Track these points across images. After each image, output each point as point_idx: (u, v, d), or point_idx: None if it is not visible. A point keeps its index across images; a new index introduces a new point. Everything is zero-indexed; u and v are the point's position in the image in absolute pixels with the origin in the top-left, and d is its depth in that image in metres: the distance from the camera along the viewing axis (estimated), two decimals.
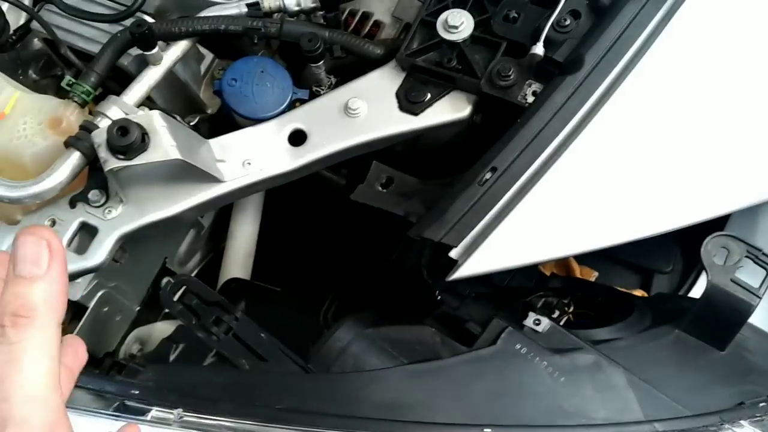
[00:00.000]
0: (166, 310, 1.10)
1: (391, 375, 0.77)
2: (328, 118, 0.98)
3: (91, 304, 0.97)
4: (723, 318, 0.79)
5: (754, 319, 0.79)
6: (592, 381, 0.76)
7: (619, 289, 1.02)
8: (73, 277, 0.92)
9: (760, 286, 0.77)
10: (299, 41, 0.98)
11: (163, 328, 1.06)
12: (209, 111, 1.13)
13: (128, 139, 0.81)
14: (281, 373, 0.79)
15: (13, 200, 0.87)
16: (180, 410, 0.72)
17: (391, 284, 1.07)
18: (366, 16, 1.19)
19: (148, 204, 0.90)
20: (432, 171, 1.08)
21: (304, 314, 1.14)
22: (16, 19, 1.11)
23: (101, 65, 0.95)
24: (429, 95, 0.96)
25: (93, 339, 1.00)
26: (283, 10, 1.02)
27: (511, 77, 0.91)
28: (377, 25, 1.19)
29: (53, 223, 0.91)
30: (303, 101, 1.01)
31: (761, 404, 0.75)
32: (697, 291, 1.09)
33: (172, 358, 0.90)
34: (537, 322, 0.81)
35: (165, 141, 0.83)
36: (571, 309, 0.95)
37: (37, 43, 1.16)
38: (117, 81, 1.02)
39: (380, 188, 1.02)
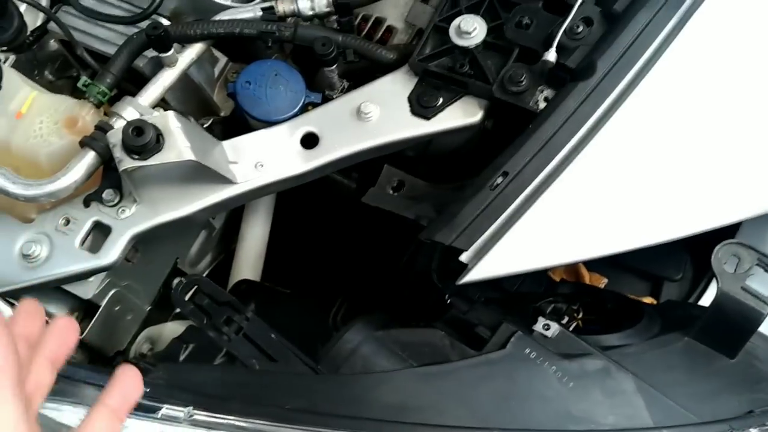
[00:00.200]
0: (177, 311, 1.11)
1: (400, 377, 0.78)
2: (340, 121, 0.98)
3: (103, 303, 0.98)
4: (733, 326, 0.79)
5: (765, 328, 0.79)
6: (601, 386, 0.76)
7: (628, 296, 1.02)
8: (86, 275, 0.93)
9: None
10: (313, 45, 0.99)
11: (173, 328, 1.07)
12: (222, 113, 1.14)
13: (143, 140, 0.82)
14: (291, 374, 0.79)
15: (28, 198, 0.88)
16: (190, 408, 0.73)
17: (400, 288, 1.07)
18: (379, 21, 1.20)
19: (161, 204, 0.91)
20: (442, 175, 1.08)
21: (314, 316, 1.14)
22: (32, 20, 1.13)
23: (117, 66, 0.96)
24: (441, 100, 0.97)
25: (104, 337, 1.01)
26: (297, 15, 1.03)
27: (523, 83, 0.91)
28: (390, 30, 1.19)
29: (67, 221, 0.92)
30: (315, 105, 1.02)
31: None
32: (707, 299, 1.09)
33: (182, 357, 0.90)
34: (546, 327, 0.81)
35: (179, 142, 0.84)
36: (581, 315, 0.95)
37: (53, 45, 1.18)
38: (132, 82, 1.03)
39: (391, 191, 1.02)
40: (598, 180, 0.82)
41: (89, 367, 0.83)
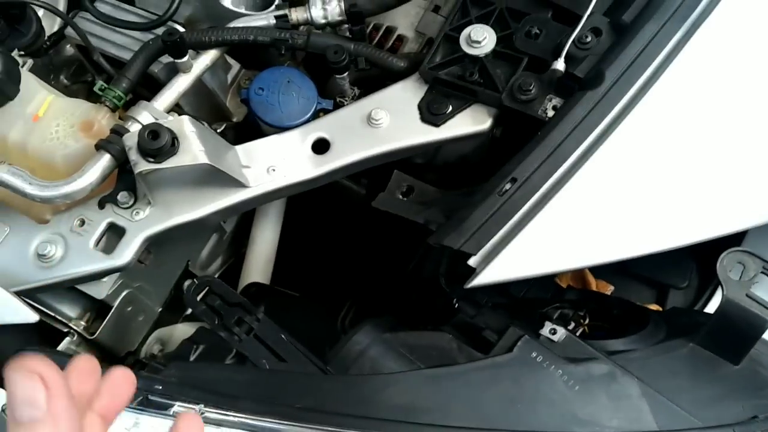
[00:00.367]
0: (187, 313, 1.13)
1: (408, 378, 0.79)
2: (351, 127, 1.00)
3: (116, 304, 0.99)
4: (738, 333, 0.79)
5: None
6: (606, 390, 0.77)
7: (634, 302, 1.03)
8: (100, 276, 0.95)
9: None
10: (325, 53, 1.00)
11: (183, 330, 1.08)
12: (235, 119, 1.15)
13: (159, 143, 0.84)
14: (301, 374, 0.80)
15: (44, 199, 0.89)
16: (202, 406, 0.74)
17: (408, 292, 1.09)
18: (390, 30, 1.22)
19: (175, 207, 0.93)
20: (451, 182, 1.10)
21: (322, 320, 1.15)
22: (49, 25, 1.15)
23: (133, 71, 0.98)
24: (450, 107, 0.98)
25: (116, 338, 1.02)
26: (310, 23, 1.05)
27: (532, 91, 0.93)
28: (400, 39, 1.22)
29: (82, 222, 0.94)
30: (327, 111, 1.03)
31: None
32: (712, 307, 1.10)
33: (192, 358, 0.92)
34: (553, 331, 0.82)
35: (194, 146, 0.86)
36: (587, 321, 0.96)
37: (69, 50, 1.20)
38: (146, 87, 1.05)
39: (401, 197, 1.04)
40: (605, 187, 0.83)
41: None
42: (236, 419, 0.73)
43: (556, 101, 0.93)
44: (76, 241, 0.93)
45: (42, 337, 0.98)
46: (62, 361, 0.50)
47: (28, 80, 0.99)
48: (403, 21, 1.21)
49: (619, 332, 0.90)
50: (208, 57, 1.02)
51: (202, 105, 1.10)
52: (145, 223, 0.92)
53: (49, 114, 0.98)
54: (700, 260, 1.11)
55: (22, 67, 1.02)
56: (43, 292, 0.96)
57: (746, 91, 0.86)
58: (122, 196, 0.93)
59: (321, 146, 1.00)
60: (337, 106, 1.05)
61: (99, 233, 0.93)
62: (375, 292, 1.16)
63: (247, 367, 0.82)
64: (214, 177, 0.91)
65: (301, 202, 1.24)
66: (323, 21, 1.04)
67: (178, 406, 0.75)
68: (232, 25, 1.04)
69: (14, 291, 0.86)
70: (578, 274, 1.09)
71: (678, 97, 0.86)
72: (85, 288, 0.97)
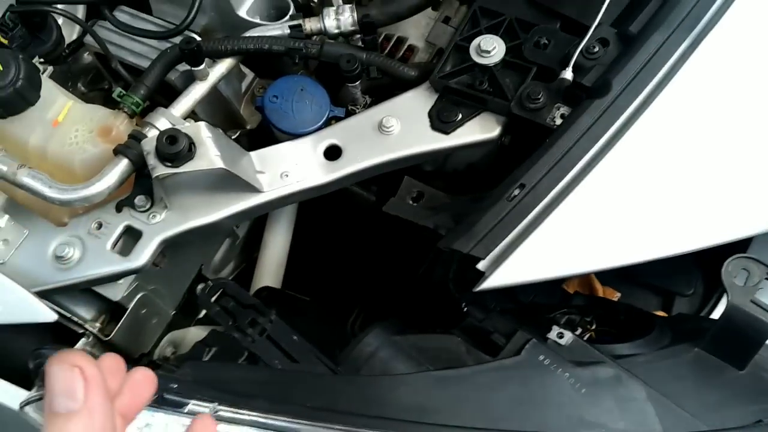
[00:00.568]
0: (200, 316, 1.15)
1: (418, 380, 0.80)
2: (362, 134, 1.02)
3: (131, 306, 1.00)
4: (742, 338, 0.81)
5: None
6: (612, 393, 0.78)
7: (640, 308, 1.04)
8: (116, 277, 0.97)
9: None
10: (338, 62, 1.03)
11: (196, 333, 1.10)
12: (248, 127, 1.18)
13: (176, 148, 0.86)
14: (312, 374, 0.82)
15: (63, 202, 0.92)
16: (216, 404, 0.75)
17: (417, 296, 1.10)
18: (401, 40, 1.24)
19: (190, 210, 0.95)
20: (459, 189, 1.11)
21: (332, 324, 1.17)
22: (68, 34, 1.18)
23: (151, 79, 1.00)
24: (460, 115, 1.00)
25: (130, 339, 1.04)
26: (323, 33, 1.07)
27: (541, 100, 0.95)
28: (411, 49, 1.24)
29: (99, 225, 0.96)
30: (339, 118, 1.06)
31: None
32: (717, 314, 1.11)
33: (205, 360, 0.93)
34: (560, 335, 0.84)
35: (211, 151, 0.88)
36: (594, 327, 0.97)
37: (87, 57, 1.23)
38: (163, 94, 1.08)
39: (411, 202, 1.06)
40: (612, 193, 0.85)
41: None
42: (249, 417, 0.75)
43: (564, 110, 0.95)
44: (93, 244, 0.95)
45: (57, 338, 0.99)
46: None
47: (49, 86, 1.01)
48: (414, 31, 1.24)
49: (626, 338, 0.91)
50: (224, 65, 1.04)
51: (217, 112, 1.13)
52: (161, 226, 0.95)
53: (68, 119, 1.00)
54: (705, 268, 1.12)
55: (43, 73, 1.04)
56: (60, 293, 0.98)
57: (751, 99, 0.88)
58: (139, 199, 0.95)
59: (333, 153, 1.02)
60: (349, 113, 1.08)
61: (116, 236, 0.95)
62: (384, 297, 1.17)
63: (259, 367, 0.84)
64: (228, 182, 0.93)
65: (312, 209, 1.26)
66: (336, 31, 1.07)
67: (192, 405, 0.76)
68: (247, 34, 1.06)
69: (33, 292, 0.88)
70: (585, 280, 1.11)
71: (683, 105, 0.87)
72: (101, 290, 0.99)
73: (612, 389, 0.78)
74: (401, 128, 1.01)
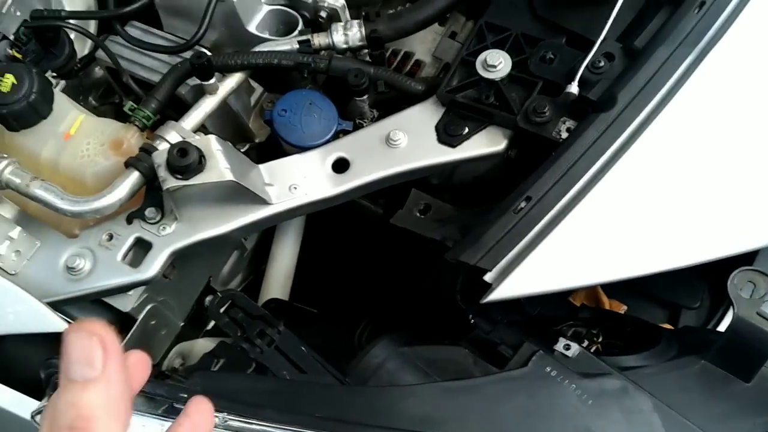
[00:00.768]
0: (207, 328, 1.16)
1: (426, 391, 0.81)
2: (370, 147, 1.03)
3: (140, 317, 1.01)
4: (749, 350, 0.81)
5: None
6: (619, 405, 0.79)
7: (647, 321, 1.05)
8: (126, 288, 0.98)
9: None
10: (346, 76, 1.04)
11: (204, 345, 1.11)
12: (257, 140, 1.19)
13: (187, 160, 0.87)
14: (321, 385, 0.83)
15: (75, 214, 0.93)
16: (225, 414, 0.76)
17: (424, 309, 1.11)
18: (408, 55, 1.26)
19: (200, 222, 0.96)
20: (466, 202, 1.12)
21: (339, 336, 1.18)
22: (80, 48, 1.20)
23: (162, 92, 1.02)
24: (467, 129, 1.01)
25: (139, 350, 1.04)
26: (331, 48, 1.08)
27: (547, 114, 0.96)
28: (418, 63, 1.26)
29: (110, 237, 0.97)
30: (347, 132, 1.07)
31: None
32: (724, 326, 1.11)
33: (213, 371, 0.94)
34: (567, 347, 0.84)
35: (221, 163, 0.89)
36: (600, 339, 0.98)
37: (97, 72, 1.25)
38: (173, 108, 1.09)
39: (418, 214, 1.07)
40: (618, 206, 0.85)
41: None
42: (258, 427, 0.76)
43: (569, 123, 0.96)
44: (104, 255, 0.96)
45: None
46: None
47: (61, 100, 1.03)
48: (421, 46, 1.26)
49: (632, 350, 0.91)
50: (234, 80, 1.05)
51: (227, 126, 1.14)
52: (171, 238, 0.95)
53: (80, 132, 1.01)
54: (711, 281, 1.13)
55: (55, 87, 1.06)
56: (71, 304, 0.99)
57: (756, 113, 0.89)
58: (150, 211, 0.96)
59: (341, 165, 1.03)
60: (357, 127, 1.09)
61: (126, 247, 0.96)
62: (391, 309, 1.18)
63: (268, 377, 0.85)
64: (238, 194, 0.94)
65: (320, 221, 1.27)
66: (344, 46, 1.08)
67: None
68: (256, 49, 1.08)
69: (44, 302, 0.89)
70: (592, 293, 1.11)
71: (688, 119, 0.88)
72: (111, 301, 0.99)
73: (619, 401, 0.79)
74: (408, 141, 1.02)
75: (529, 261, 0.82)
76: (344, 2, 1.13)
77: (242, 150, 1.12)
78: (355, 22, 1.08)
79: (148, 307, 1.03)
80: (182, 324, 1.11)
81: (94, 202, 0.93)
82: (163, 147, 0.96)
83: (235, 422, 0.76)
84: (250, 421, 0.76)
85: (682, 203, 0.86)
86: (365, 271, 1.29)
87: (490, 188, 1.11)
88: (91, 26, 1.21)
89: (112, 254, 0.96)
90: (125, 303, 0.99)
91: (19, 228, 0.97)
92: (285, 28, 1.15)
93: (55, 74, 1.13)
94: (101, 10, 1.14)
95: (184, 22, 1.15)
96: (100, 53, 1.12)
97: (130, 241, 0.96)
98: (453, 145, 1.01)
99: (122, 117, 1.05)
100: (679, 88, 0.89)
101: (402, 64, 1.25)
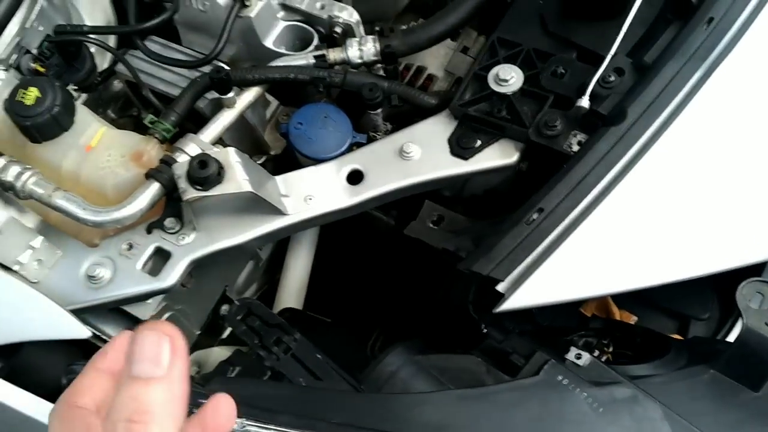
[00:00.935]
0: (222, 337, 1.17)
1: (439, 398, 0.82)
2: (383, 160, 1.05)
3: None
4: (757, 360, 0.82)
5: None
6: (629, 413, 0.80)
7: (657, 331, 1.06)
8: (145, 297, 0.99)
9: None
10: (361, 90, 1.06)
11: (219, 353, 1.12)
12: (272, 152, 1.21)
13: (207, 172, 0.89)
14: (337, 391, 0.84)
15: (96, 224, 0.95)
16: (243, 420, 0.78)
17: (437, 319, 1.12)
18: (420, 69, 1.28)
19: (218, 232, 0.98)
20: (477, 214, 1.14)
21: (352, 346, 1.19)
22: (99, 62, 1.22)
23: (181, 106, 1.04)
24: (479, 142, 1.03)
25: None
26: (346, 62, 1.11)
27: (558, 127, 0.97)
28: (430, 78, 1.28)
29: (130, 246, 0.99)
30: (361, 144, 1.09)
31: None
32: (732, 338, 1.12)
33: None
34: (578, 356, 0.85)
35: (239, 175, 0.91)
36: (611, 349, 0.99)
37: (116, 85, 1.27)
38: (191, 121, 1.11)
39: (431, 225, 1.08)
40: (628, 218, 0.87)
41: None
42: None
43: (580, 137, 0.97)
44: (124, 264, 0.98)
45: (86, 356, 1.02)
46: None
47: (82, 113, 1.05)
48: (433, 61, 1.28)
49: (642, 360, 0.93)
50: (251, 93, 1.08)
51: (243, 139, 1.16)
52: (190, 247, 0.98)
53: (101, 145, 1.03)
54: (720, 292, 1.14)
55: (77, 100, 1.08)
56: (90, 312, 1.01)
57: (764, 126, 0.90)
58: (169, 221, 0.98)
59: (355, 177, 1.05)
60: (371, 139, 1.11)
61: (146, 257, 0.98)
62: (404, 319, 1.19)
63: (285, 383, 0.86)
64: (255, 205, 0.96)
65: (333, 232, 1.29)
66: (359, 61, 1.10)
67: None
68: (273, 64, 1.10)
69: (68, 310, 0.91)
70: (602, 304, 1.13)
71: (698, 132, 0.90)
72: (130, 309, 1.01)
73: (629, 409, 0.80)
74: (421, 154, 1.04)
75: (541, 271, 0.84)
76: (358, 18, 1.15)
77: (258, 162, 1.14)
78: (370, 37, 1.10)
79: (166, 315, 1.05)
80: (198, 332, 1.13)
81: (115, 212, 0.95)
82: (182, 159, 0.98)
83: (253, 428, 0.78)
84: (269, 426, 0.77)
85: (691, 215, 0.87)
86: (378, 281, 1.31)
87: (502, 200, 1.13)
88: (111, 40, 1.23)
89: (132, 263, 0.98)
90: (144, 311, 1.01)
91: (41, 237, 0.98)
92: (301, 43, 1.18)
93: (76, 87, 1.15)
94: (123, 26, 1.17)
95: (201, 37, 1.18)
96: (120, 67, 1.15)
97: (150, 250, 0.98)
98: (465, 158, 1.03)
99: (140, 129, 1.07)
100: (688, 102, 0.91)
101: (415, 78, 1.27)
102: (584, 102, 0.96)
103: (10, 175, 0.94)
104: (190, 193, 0.91)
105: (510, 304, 0.84)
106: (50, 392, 0.89)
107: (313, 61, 1.10)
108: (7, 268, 0.96)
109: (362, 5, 1.17)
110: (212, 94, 1.07)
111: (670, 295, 1.11)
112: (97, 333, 1.01)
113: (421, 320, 1.16)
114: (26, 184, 0.94)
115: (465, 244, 1.00)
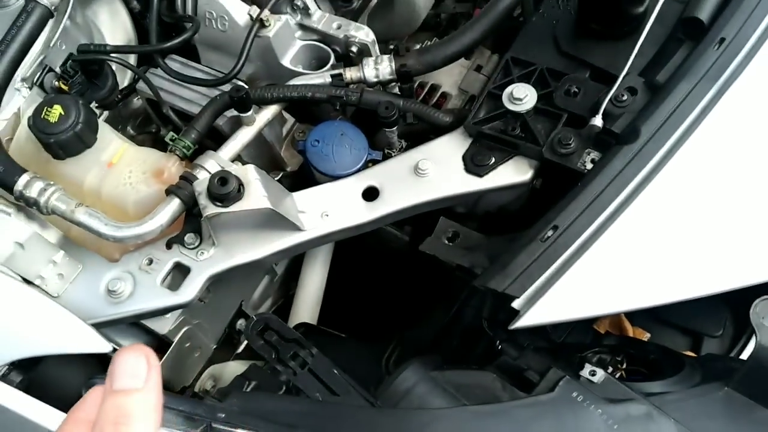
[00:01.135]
0: (238, 351, 1.19)
1: (455, 414, 0.83)
2: (399, 177, 1.07)
3: (176, 339, 1.04)
4: None
5: None
6: (644, 430, 0.80)
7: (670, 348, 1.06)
8: (164, 311, 1.01)
9: None
10: (377, 108, 1.08)
11: (235, 367, 1.13)
12: (288, 169, 1.23)
13: (227, 189, 0.91)
14: (353, 406, 0.85)
15: (117, 239, 0.97)
16: None
17: (452, 335, 1.13)
18: (434, 88, 1.30)
19: (236, 248, 1.00)
20: (491, 231, 1.15)
21: (367, 360, 1.20)
22: (120, 80, 1.25)
23: (201, 123, 1.06)
24: (493, 159, 1.05)
25: (173, 372, 1.08)
26: (363, 81, 1.12)
27: (572, 145, 0.99)
28: (444, 96, 1.30)
29: (150, 261, 1.01)
30: (376, 161, 1.11)
31: None
32: (746, 355, 1.12)
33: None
34: (593, 373, 0.86)
35: (258, 191, 0.93)
36: (624, 366, 0.99)
37: (136, 102, 1.30)
38: (210, 138, 1.13)
39: (446, 241, 1.10)
40: (642, 235, 0.88)
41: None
42: None
43: (594, 155, 0.99)
44: (144, 279, 1.00)
45: (104, 370, 1.03)
46: None
47: (104, 130, 1.07)
48: (447, 80, 1.30)
49: (656, 377, 0.93)
50: (270, 111, 1.10)
51: (261, 155, 1.18)
52: (209, 262, 0.99)
53: (122, 161, 1.06)
54: (734, 309, 1.14)
55: (99, 117, 1.11)
56: (110, 326, 1.02)
57: None
58: (189, 237, 1.00)
59: (371, 194, 1.06)
60: (386, 157, 1.13)
61: (166, 272, 1.00)
62: (418, 335, 1.20)
63: (302, 398, 0.87)
64: (273, 221, 0.98)
65: (348, 248, 1.30)
66: (375, 80, 1.12)
67: None
68: (291, 83, 1.12)
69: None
70: (616, 321, 1.13)
71: (710, 151, 0.91)
72: (149, 323, 1.03)
73: (644, 426, 0.81)
74: (436, 171, 1.06)
75: (556, 288, 0.85)
76: (374, 38, 1.17)
77: (275, 178, 1.15)
78: (386, 57, 1.12)
79: (184, 329, 1.06)
80: (215, 347, 1.14)
81: (136, 228, 0.97)
82: (202, 176, 1.00)
83: None
84: None
85: (704, 233, 0.88)
86: (392, 297, 1.32)
87: (516, 217, 1.14)
88: (131, 58, 1.26)
89: (152, 278, 1.00)
90: (162, 326, 1.03)
91: (62, 252, 1.00)
92: (317, 62, 1.20)
93: (97, 105, 1.17)
94: (145, 45, 1.19)
95: (220, 56, 1.20)
96: (141, 85, 1.17)
97: (170, 265, 1.00)
98: (480, 175, 1.05)
99: (158, 145, 1.09)
100: (700, 121, 0.92)
101: (429, 96, 1.29)
102: (597, 120, 0.97)
103: (33, 191, 0.96)
104: (211, 209, 0.93)
105: (526, 320, 0.85)
106: (70, 406, 0.90)
107: (329, 80, 1.12)
108: (29, 282, 0.97)
109: (378, 25, 1.19)
110: (231, 112, 1.09)
111: (683, 312, 1.11)
112: (117, 347, 1.02)
113: (436, 335, 1.17)
114: (49, 199, 0.96)
115: (480, 261, 1.01)
